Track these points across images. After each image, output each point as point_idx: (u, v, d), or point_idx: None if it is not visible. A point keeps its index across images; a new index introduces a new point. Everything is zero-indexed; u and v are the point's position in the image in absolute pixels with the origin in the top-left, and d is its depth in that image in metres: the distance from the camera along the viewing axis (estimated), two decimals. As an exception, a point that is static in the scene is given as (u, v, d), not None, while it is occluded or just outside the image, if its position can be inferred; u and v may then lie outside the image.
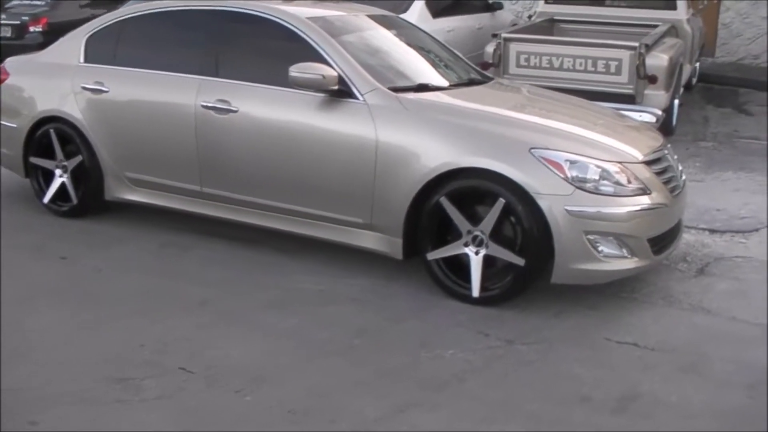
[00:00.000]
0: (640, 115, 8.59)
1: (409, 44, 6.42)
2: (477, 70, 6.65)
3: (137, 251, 6.03)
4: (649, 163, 5.18)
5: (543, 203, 4.83)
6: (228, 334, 4.77)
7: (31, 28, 13.08)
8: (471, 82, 6.19)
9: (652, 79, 8.70)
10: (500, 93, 6.18)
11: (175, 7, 6.28)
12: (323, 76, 5.31)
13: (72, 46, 6.74)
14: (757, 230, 6.60)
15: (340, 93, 5.42)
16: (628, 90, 8.72)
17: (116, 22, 6.56)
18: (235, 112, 5.74)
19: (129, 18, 6.53)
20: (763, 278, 5.64)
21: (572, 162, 4.90)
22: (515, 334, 4.79)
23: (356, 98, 5.39)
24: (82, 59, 6.63)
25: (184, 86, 5.99)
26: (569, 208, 4.81)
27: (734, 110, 11.65)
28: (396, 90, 5.46)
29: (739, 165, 8.58)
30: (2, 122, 6.99)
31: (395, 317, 5.00)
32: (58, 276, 5.59)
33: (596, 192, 4.89)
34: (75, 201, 6.64)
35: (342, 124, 5.40)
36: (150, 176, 6.26)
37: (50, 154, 6.73)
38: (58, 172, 6.71)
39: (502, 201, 4.91)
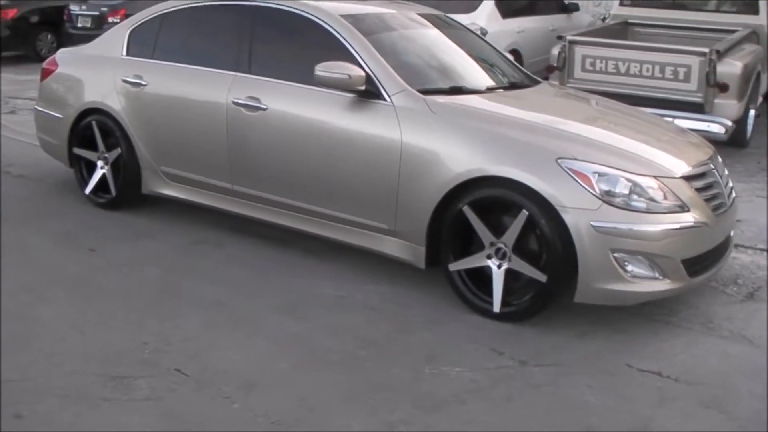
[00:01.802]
0: (708, 126, 8.27)
1: (453, 45, 6.22)
2: (525, 73, 6.41)
3: (165, 247, 5.99)
4: (689, 178, 4.88)
5: (567, 217, 4.58)
6: (232, 336, 4.66)
7: (110, 19, 13.22)
8: (513, 86, 5.93)
9: (723, 88, 8.32)
10: (541, 98, 5.93)
11: (212, 2, 6.22)
12: (350, 76, 5.17)
13: (116, 38, 6.74)
14: (820, 252, 6.18)
15: (367, 93, 5.27)
16: (696, 98, 8.36)
17: (157, 16, 6.55)
18: (265, 109, 5.64)
19: (169, 12, 6.50)
20: (816, 306, 5.26)
21: (601, 174, 4.64)
22: (531, 354, 4.56)
23: (384, 99, 5.23)
24: (124, 52, 6.63)
25: (217, 82, 5.92)
26: (595, 223, 4.54)
27: (818, 123, 11.08)
28: (426, 92, 5.27)
29: (813, 181, 8.13)
30: (50, 112, 7.05)
31: (408, 329, 4.82)
32: (80, 267, 5.58)
33: (626, 207, 4.61)
34: (114, 193, 6.63)
35: (368, 126, 5.24)
36: (184, 172, 6.22)
37: (93, 146, 6.74)
38: (99, 163, 6.71)
39: (525, 213, 4.68)
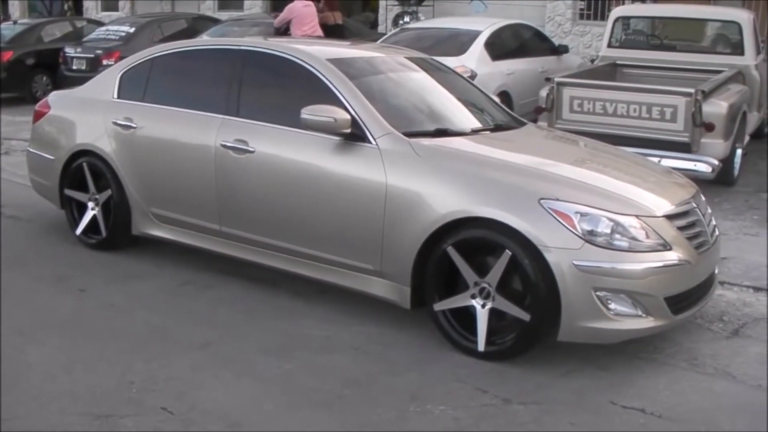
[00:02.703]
0: (695, 165, 8.33)
1: (439, 88, 6.29)
2: (512, 115, 6.48)
3: (154, 288, 6.02)
4: (672, 217, 4.94)
5: (550, 257, 4.63)
6: (219, 376, 4.68)
7: (105, 62, 13.33)
8: (498, 128, 6.00)
9: (710, 127, 8.40)
10: (526, 139, 5.99)
11: (202, 46, 6.31)
12: (335, 119, 5.22)
13: (108, 81, 6.81)
14: (808, 290, 6.22)
15: (353, 136, 5.32)
16: (683, 138, 8.43)
17: (148, 59, 6.61)
18: (252, 152, 5.70)
19: (159, 56, 6.58)
20: (801, 343, 5.29)
21: (583, 214, 4.70)
22: (515, 393, 4.58)
23: (369, 142, 5.29)
24: (115, 95, 6.69)
25: (206, 125, 5.99)
26: (578, 262, 4.59)
27: (806, 161, 11.16)
28: (411, 135, 5.33)
29: (800, 219, 8.17)
30: (42, 154, 7.10)
31: (393, 369, 4.84)
32: (71, 308, 5.61)
33: (608, 246, 4.66)
34: (104, 234, 6.67)
35: (353, 168, 5.30)
36: (173, 213, 6.27)
37: (84, 187, 6.80)
38: (90, 204, 6.76)
39: (508, 253, 4.73)
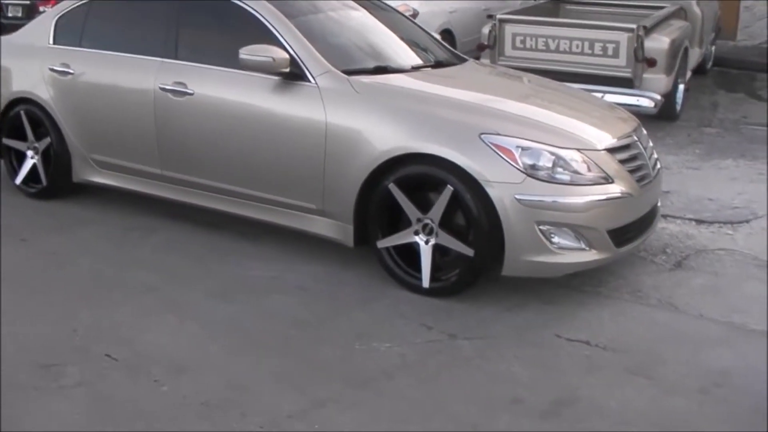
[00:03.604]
0: (638, 100, 8.36)
1: (379, 26, 6.21)
2: (452, 52, 6.42)
3: (97, 235, 5.91)
4: (613, 150, 4.93)
5: (492, 191, 4.61)
6: (164, 322, 4.62)
7: (41, 8, 12.97)
8: (439, 65, 5.94)
9: (651, 63, 8.41)
10: (466, 75, 5.95)
11: (138, -13, 6.12)
12: (273, 59, 5.13)
13: (43, 27, 6.63)
14: (747, 221, 6.29)
15: (292, 75, 5.24)
16: (625, 73, 8.44)
17: (83, 4, 6.43)
18: (191, 94, 5.61)
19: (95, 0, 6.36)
20: (741, 273, 5.39)
21: (524, 148, 4.68)
22: (460, 328, 4.58)
23: (308, 81, 5.21)
24: (51, 41, 6.51)
25: (145, 68, 5.86)
26: (520, 196, 4.58)
27: (747, 95, 11.24)
28: (351, 73, 5.26)
29: (741, 152, 8.24)
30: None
31: (339, 308, 4.82)
32: (12, 258, 5.47)
33: (550, 180, 4.66)
34: (45, 183, 6.53)
35: (293, 108, 5.23)
36: (114, 159, 6.16)
37: (23, 136, 6.62)
38: (29, 153, 6.59)
39: (450, 189, 4.70)
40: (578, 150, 4.77)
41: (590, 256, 4.78)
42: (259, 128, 5.36)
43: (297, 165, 5.24)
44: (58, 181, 6.51)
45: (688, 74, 9.98)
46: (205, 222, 6.06)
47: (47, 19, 6.65)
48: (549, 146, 4.72)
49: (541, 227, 4.63)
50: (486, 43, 8.89)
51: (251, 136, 5.40)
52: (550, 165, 4.68)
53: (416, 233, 4.92)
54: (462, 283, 4.87)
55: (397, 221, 5.00)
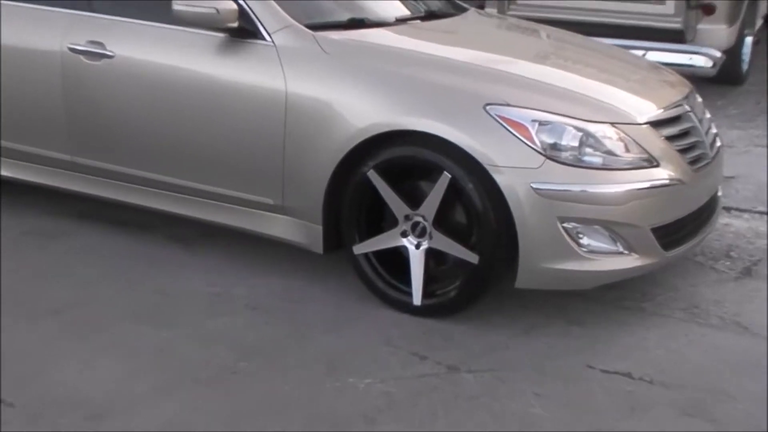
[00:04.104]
0: (690, 58, 8.39)
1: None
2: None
3: (-13, 241, 5.86)
4: (659, 123, 4.94)
5: (501, 179, 4.61)
6: (76, 352, 4.60)
7: None
8: (431, 16, 5.97)
9: (709, 9, 8.43)
10: (467, 30, 5.97)
11: None
12: (217, 10, 5.12)
13: None
14: (836, 216, 6.30)
15: (241, 32, 5.24)
16: (674, 24, 8.43)
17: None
18: (111, 57, 5.60)
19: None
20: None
21: (542, 123, 4.68)
22: (462, 358, 4.58)
23: (262, 39, 5.21)
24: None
25: (49, 24, 5.84)
26: (537, 185, 4.59)
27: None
28: (318, 28, 5.27)
29: (825, 126, 8.27)
30: None
31: (304, 332, 4.82)
32: None
33: (576, 164, 4.66)
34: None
35: (243, 73, 5.23)
36: (11, 143, 6.13)
37: None
38: None
39: (447, 176, 4.70)
40: (612, 124, 4.78)
41: (630, 261, 4.80)
42: (198, 100, 5.36)
43: (248, 148, 5.24)
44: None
45: (758, 23, 10.00)
46: (127, 223, 6.10)
47: None
48: (574, 119, 4.73)
49: (565, 225, 4.64)
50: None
51: (188, 109, 5.40)
52: (576, 144, 4.69)
53: (404, 235, 4.93)
54: (464, 298, 4.89)
55: (380, 220, 5.03)
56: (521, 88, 4.92)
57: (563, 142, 4.68)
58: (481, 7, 8.16)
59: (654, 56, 7.59)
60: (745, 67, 9.36)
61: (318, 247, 5.19)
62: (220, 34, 5.30)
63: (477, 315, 4.95)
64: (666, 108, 5.10)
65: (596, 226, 4.69)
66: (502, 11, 8.51)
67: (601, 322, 4.96)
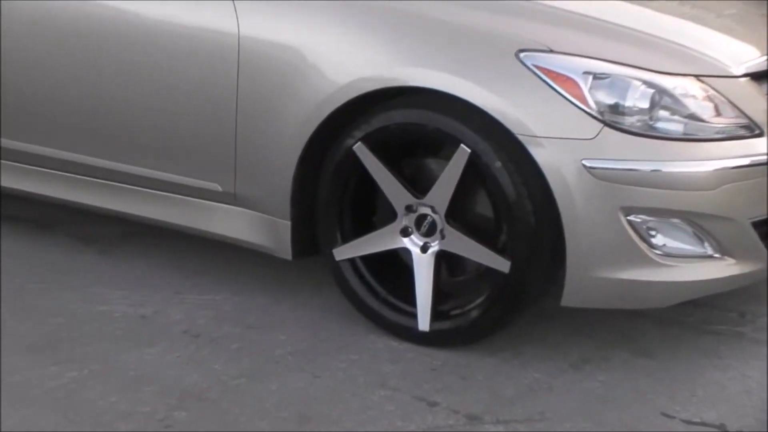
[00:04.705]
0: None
1: None
2: None
3: None
4: (762, 76, 4.90)
5: (541, 155, 4.56)
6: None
7: None
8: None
9: None
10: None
11: None
12: None
13: None
14: None
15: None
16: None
17: None
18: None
19: None
20: None
21: (598, 75, 4.62)
22: (488, 404, 4.53)
23: (206, -39, 5.17)
24: None
25: None
26: (592, 163, 4.53)
27: None
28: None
29: None
30: None
31: (264, 370, 4.78)
32: None
33: (647, 133, 4.61)
34: None
35: (182, 12, 5.24)
36: None
37: None
38: None
39: (465, 151, 4.65)
40: (697, 77, 4.73)
41: (723, 269, 4.77)
42: (119, 50, 5.38)
43: (187, 115, 5.25)
44: None
45: None
46: (19, 218, 6.17)
47: None
48: (644, 71, 4.67)
49: (631, 218, 4.60)
50: None
51: (109, 62, 5.41)
52: (646, 105, 4.63)
53: (405, 233, 4.92)
54: (489, 321, 4.85)
55: (370, 213, 5.05)
56: (568, 27, 4.89)
57: (628, 103, 4.64)
58: None
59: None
60: None
61: (285, 252, 5.19)
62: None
63: (508, 344, 4.97)
64: (772, 55, 5.03)
65: (675, 220, 4.66)
66: None
67: (680, 354, 4.97)
